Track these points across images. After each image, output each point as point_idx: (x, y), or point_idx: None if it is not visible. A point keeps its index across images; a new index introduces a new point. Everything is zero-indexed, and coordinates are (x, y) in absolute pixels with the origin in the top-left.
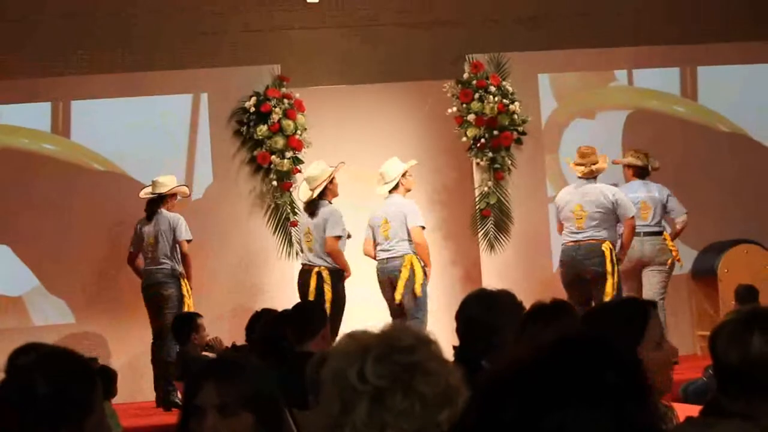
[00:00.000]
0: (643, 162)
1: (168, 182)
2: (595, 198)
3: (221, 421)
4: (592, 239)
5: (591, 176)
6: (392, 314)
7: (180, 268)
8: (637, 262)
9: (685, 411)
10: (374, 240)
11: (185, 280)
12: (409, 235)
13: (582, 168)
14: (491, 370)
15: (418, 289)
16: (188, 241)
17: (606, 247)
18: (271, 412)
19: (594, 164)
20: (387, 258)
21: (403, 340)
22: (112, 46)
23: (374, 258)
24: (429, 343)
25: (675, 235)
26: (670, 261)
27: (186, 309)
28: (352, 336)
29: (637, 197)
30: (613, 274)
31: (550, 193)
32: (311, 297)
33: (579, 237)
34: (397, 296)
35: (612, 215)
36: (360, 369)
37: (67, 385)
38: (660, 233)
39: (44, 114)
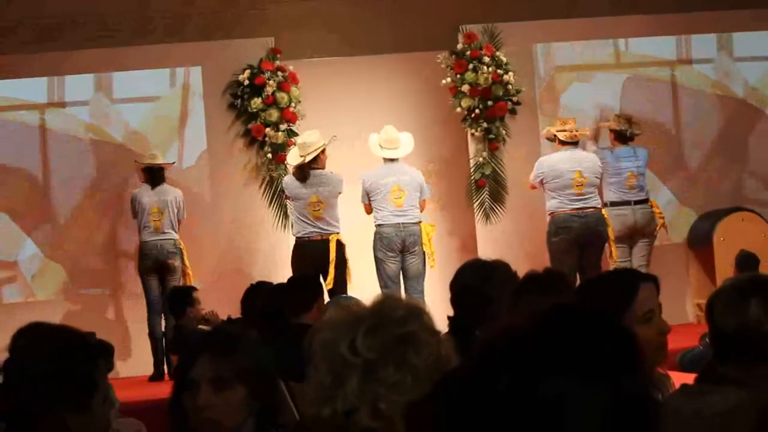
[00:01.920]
0: (623, 127)
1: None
2: (592, 165)
3: (215, 394)
4: (595, 208)
5: (574, 140)
6: (389, 279)
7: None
8: (629, 229)
9: (681, 379)
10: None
11: (185, 250)
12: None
13: (566, 133)
14: (483, 339)
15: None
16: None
17: (605, 213)
18: (264, 384)
19: (576, 130)
20: (402, 223)
21: (395, 312)
22: (104, 20)
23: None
24: (421, 314)
25: None
26: (657, 228)
27: (187, 280)
28: (343, 307)
29: (624, 167)
30: (612, 242)
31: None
32: (333, 266)
33: (581, 205)
34: (432, 264)
35: (599, 182)
36: (351, 341)
37: (68, 363)
38: (647, 200)
39: (41, 87)
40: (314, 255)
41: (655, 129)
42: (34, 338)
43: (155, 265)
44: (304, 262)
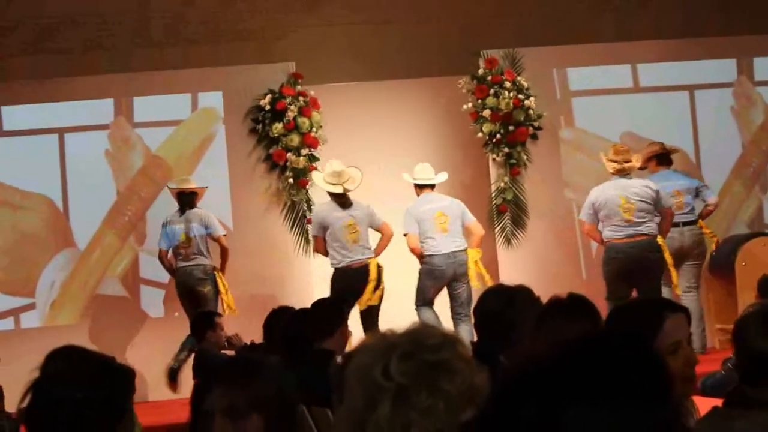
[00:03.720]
0: (663, 149)
1: (195, 180)
2: (640, 190)
3: (229, 425)
4: (647, 235)
5: (624, 173)
6: (430, 300)
7: (213, 263)
8: (675, 252)
9: (703, 404)
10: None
11: (220, 274)
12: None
13: (615, 165)
14: (511, 367)
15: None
16: (224, 235)
17: (660, 240)
18: (283, 413)
19: (627, 162)
20: (454, 251)
21: (430, 339)
22: (128, 46)
23: (420, 252)
24: (455, 342)
25: (704, 216)
26: (712, 249)
27: (224, 305)
28: (378, 333)
29: (669, 186)
30: (670, 266)
31: (567, 190)
32: (375, 290)
33: (631, 232)
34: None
35: (656, 206)
36: (385, 366)
37: (102, 390)
38: (696, 221)
39: (61, 111)
40: (357, 280)
41: (674, 154)
42: (68, 362)
43: (187, 292)
44: (348, 288)
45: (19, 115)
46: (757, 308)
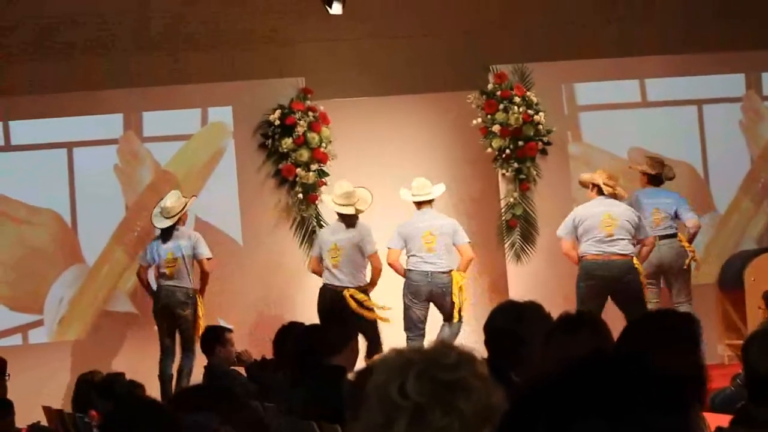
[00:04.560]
0: (656, 171)
1: (176, 204)
2: (624, 210)
3: None
4: (623, 255)
5: (613, 197)
6: (416, 324)
7: (194, 286)
8: (656, 267)
9: (713, 420)
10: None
11: (200, 298)
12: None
13: (608, 188)
14: (520, 385)
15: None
16: (208, 259)
17: (636, 262)
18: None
19: (618, 187)
20: (432, 272)
21: (447, 358)
22: (136, 60)
23: (401, 269)
24: (473, 361)
25: (691, 240)
26: (687, 262)
27: (198, 329)
28: (396, 350)
29: (650, 203)
30: (645, 285)
31: (576, 205)
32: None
33: (606, 248)
34: (457, 316)
35: (636, 231)
36: (401, 384)
37: None
38: (674, 235)
39: (69, 125)
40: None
41: (682, 169)
42: (132, 415)
43: (166, 313)
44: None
45: (26, 130)
46: (764, 326)
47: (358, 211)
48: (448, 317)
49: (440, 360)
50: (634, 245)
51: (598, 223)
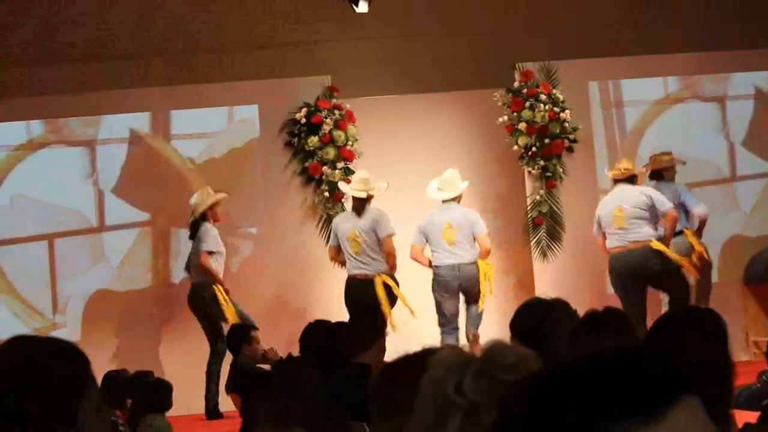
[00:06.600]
0: (657, 166)
1: (204, 198)
2: (634, 197)
3: None
4: (638, 242)
5: (621, 177)
6: (449, 319)
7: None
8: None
9: (739, 417)
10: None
11: (218, 287)
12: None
13: (613, 171)
14: (544, 381)
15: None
16: (209, 253)
17: (656, 245)
18: (326, 426)
19: (625, 168)
20: (459, 264)
21: (505, 359)
22: (164, 60)
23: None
24: (531, 363)
25: (700, 230)
26: (696, 258)
27: (227, 314)
28: (456, 348)
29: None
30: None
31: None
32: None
33: (621, 240)
34: (482, 305)
35: (653, 212)
36: (459, 382)
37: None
38: (680, 232)
39: (96, 124)
40: (360, 292)
41: (708, 166)
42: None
43: (193, 307)
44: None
45: (52, 128)
46: None
47: (370, 197)
48: (474, 301)
49: (499, 360)
50: (656, 224)
51: (611, 220)
